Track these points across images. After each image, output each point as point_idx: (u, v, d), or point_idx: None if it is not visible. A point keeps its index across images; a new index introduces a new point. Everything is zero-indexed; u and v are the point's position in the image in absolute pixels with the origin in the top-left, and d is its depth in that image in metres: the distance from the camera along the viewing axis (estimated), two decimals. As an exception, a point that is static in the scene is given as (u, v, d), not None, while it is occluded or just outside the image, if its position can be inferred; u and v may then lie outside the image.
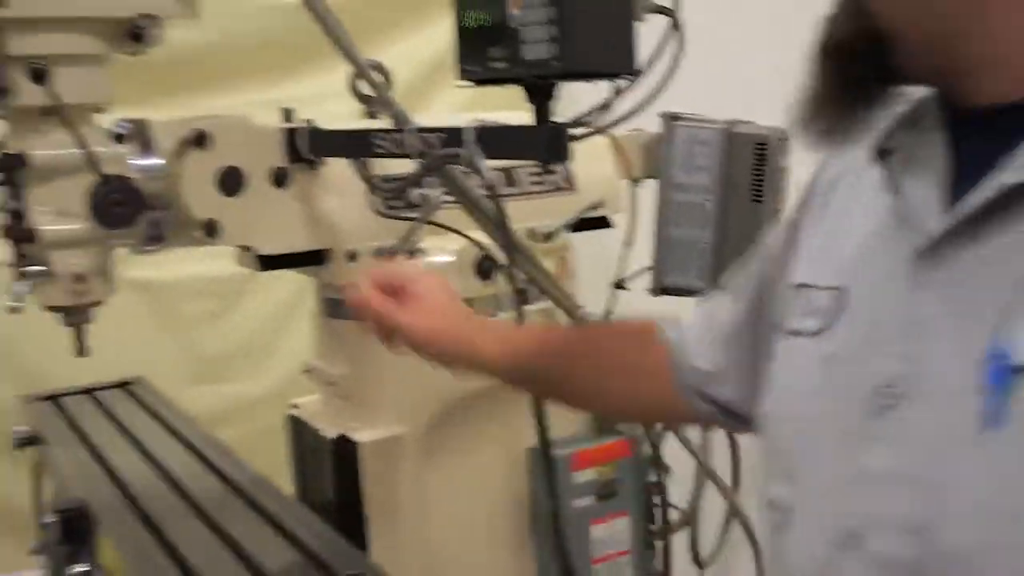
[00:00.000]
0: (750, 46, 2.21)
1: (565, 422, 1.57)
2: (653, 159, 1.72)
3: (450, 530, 1.58)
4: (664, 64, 1.28)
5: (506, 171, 1.64)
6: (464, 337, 1.21)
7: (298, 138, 1.49)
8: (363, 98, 1.60)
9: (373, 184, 1.50)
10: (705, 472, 1.78)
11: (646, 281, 1.69)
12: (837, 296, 0.84)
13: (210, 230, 1.46)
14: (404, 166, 1.43)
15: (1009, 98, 0.73)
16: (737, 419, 1.08)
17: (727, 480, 1.81)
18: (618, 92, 1.16)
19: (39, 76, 1.29)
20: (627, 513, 1.66)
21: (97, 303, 1.48)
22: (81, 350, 1.52)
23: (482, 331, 1.22)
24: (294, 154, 1.50)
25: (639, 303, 1.71)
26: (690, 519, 1.83)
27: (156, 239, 1.46)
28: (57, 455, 1.69)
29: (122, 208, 1.40)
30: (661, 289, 1.67)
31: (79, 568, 1.45)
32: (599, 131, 1.24)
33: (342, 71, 1.52)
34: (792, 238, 0.96)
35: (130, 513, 1.44)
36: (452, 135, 1.23)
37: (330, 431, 1.57)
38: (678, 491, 1.79)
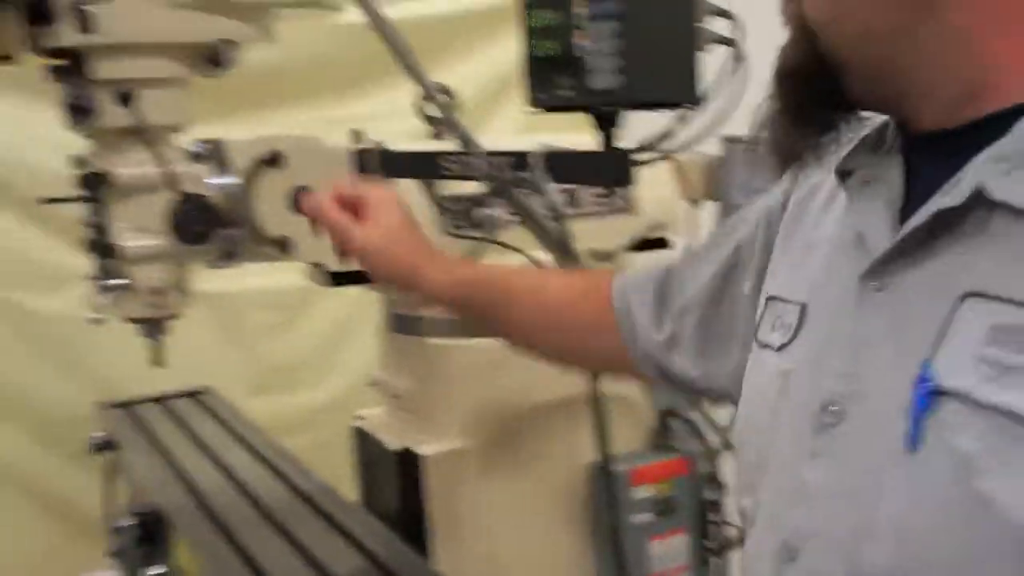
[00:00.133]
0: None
1: (624, 439, 1.60)
2: (713, 181, 1.75)
3: (510, 543, 1.61)
4: (727, 91, 1.31)
5: (569, 192, 1.68)
6: (412, 262, 1.24)
7: (368, 159, 1.53)
8: (430, 119, 1.64)
9: (440, 204, 1.54)
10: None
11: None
12: (800, 312, 0.86)
13: (282, 247, 1.51)
14: (470, 186, 1.48)
15: (948, 124, 0.74)
16: (682, 386, 1.13)
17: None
18: (681, 119, 1.19)
19: (125, 99, 1.34)
20: (684, 530, 1.69)
21: (173, 316, 1.54)
22: (158, 360, 1.57)
23: (430, 258, 1.25)
24: (364, 174, 1.55)
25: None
26: (745, 537, 1.85)
27: (230, 255, 1.52)
28: (132, 460, 1.75)
29: (199, 225, 1.45)
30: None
31: (154, 571, 1.51)
32: (663, 157, 1.27)
33: (404, 90, 1.56)
34: (767, 243, 0.98)
35: (204, 518, 1.49)
36: (519, 159, 1.27)
37: (394, 443, 1.62)
38: (734, 509, 1.81)
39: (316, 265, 1.60)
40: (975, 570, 0.66)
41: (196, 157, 1.50)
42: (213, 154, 1.50)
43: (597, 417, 1.51)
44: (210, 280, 2.42)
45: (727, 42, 1.27)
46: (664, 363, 1.12)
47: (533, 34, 1.17)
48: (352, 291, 2.01)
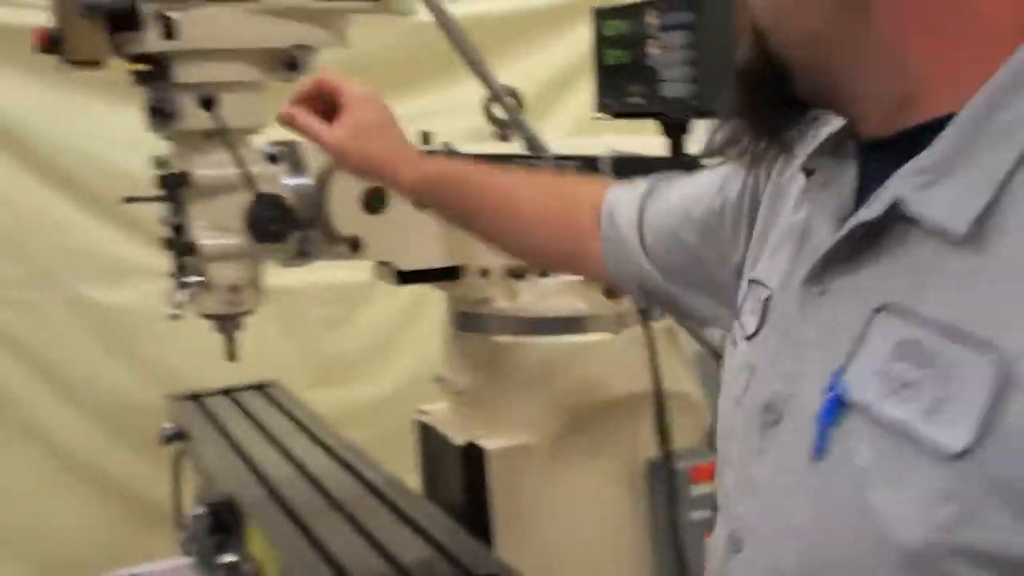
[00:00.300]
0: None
1: (683, 437, 1.63)
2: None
3: (571, 537, 1.65)
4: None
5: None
6: (381, 158, 1.29)
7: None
8: (496, 121, 1.68)
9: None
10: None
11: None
12: (765, 303, 0.86)
13: (354, 246, 1.56)
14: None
15: (886, 132, 0.73)
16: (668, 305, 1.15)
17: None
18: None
19: (207, 103, 1.39)
20: (741, 526, 1.71)
21: (248, 312, 1.59)
22: (231, 355, 1.63)
23: (400, 156, 1.30)
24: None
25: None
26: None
27: (304, 254, 1.57)
28: (204, 451, 1.80)
29: (275, 225, 1.50)
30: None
31: (227, 558, 1.56)
32: (730, 160, 1.30)
33: (461, 87, 1.60)
34: (749, 219, 0.98)
35: (277, 507, 1.54)
36: (587, 163, 1.31)
37: (459, 438, 1.66)
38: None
39: (384, 264, 1.65)
40: None
41: (272, 158, 1.56)
42: (288, 155, 1.55)
43: (658, 415, 1.55)
44: (270, 275, 2.50)
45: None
46: (649, 284, 1.14)
47: (604, 43, 1.20)
48: (409, 287, 2.06)
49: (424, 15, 1.59)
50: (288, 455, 1.77)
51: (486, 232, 1.31)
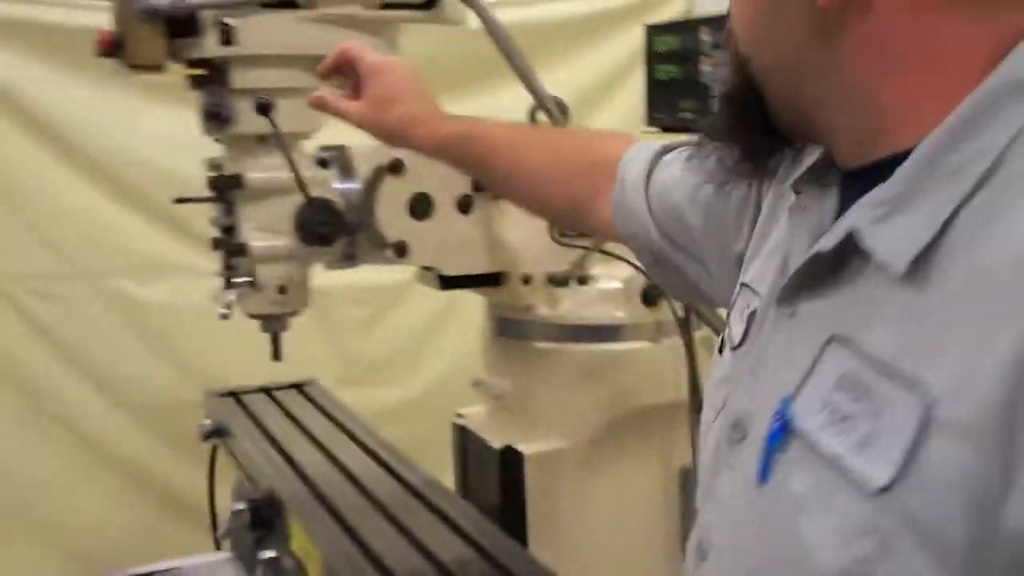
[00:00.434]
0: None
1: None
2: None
3: (604, 541, 1.67)
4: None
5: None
6: (401, 126, 1.32)
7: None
8: (540, 129, 1.71)
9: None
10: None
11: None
12: (750, 316, 0.85)
13: (400, 251, 1.59)
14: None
15: (856, 163, 0.74)
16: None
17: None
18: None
19: (264, 109, 1.42)
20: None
21: (294, 313, 1.63)
22: (276, 354, 1.66)
23: (418, 121, 1.32)
24: (479, 182, 1.62)
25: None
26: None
27: (351, 258, 1.60)
28: (244, 448, 1.83)
29: (325, 228, 1.53)
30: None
31: (268, 554, 1.59)
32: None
33: (505, 94, 1.62)
34: (754, 213, 0.97)
35: (317, 504, 1.57)
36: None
37: (496, 442, 1.69)
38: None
39: (427, 268, 1.68)
40: None
41: (322, 163, 1.59)
42: (338, 160, 1.59)
43: (693, 424, 1.58)
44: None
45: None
46: (659, 252, 1.14)
47: (656, 58, 1.23)
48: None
49: (472, 21, 1.62)
50: (328, 453, 1.79)
51: (499, 190, 1.36)
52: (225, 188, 1.53)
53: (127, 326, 2.72)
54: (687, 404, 1.60)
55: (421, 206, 1.59)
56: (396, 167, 1.57)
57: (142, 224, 2.71)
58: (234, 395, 2.12)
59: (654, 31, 1.22)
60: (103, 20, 2.43)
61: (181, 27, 1.44)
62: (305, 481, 1.67)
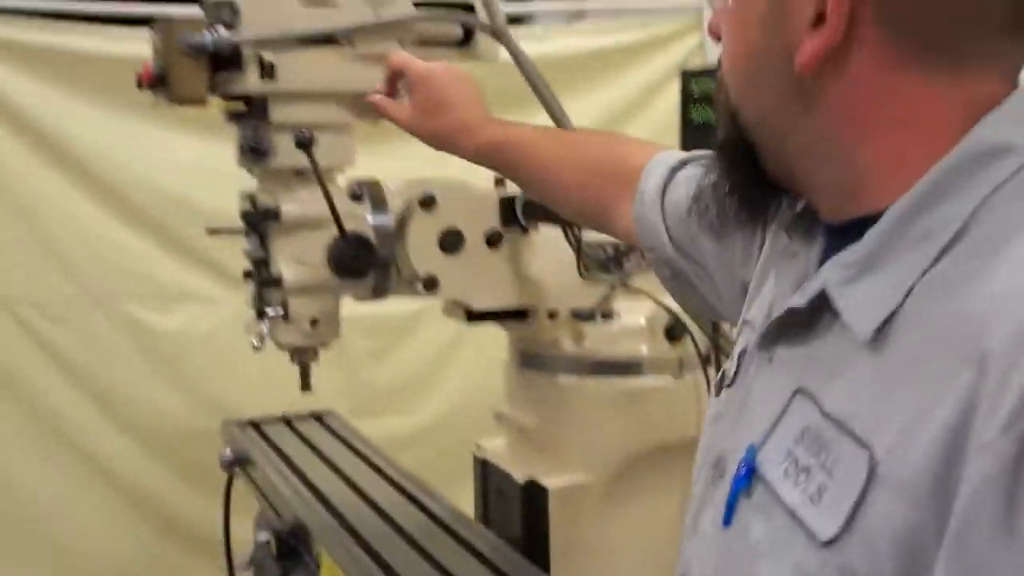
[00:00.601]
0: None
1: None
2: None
3: (628, 574, 1.69)
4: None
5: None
6: (447, 133, 1.36)
7: (516, 205, 1.63)
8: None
9: (582, 250, 1.63)
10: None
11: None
12: (740, 355, 0.87)
13: (429, 285, 1.61)
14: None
15: (836, 219, 0.76)
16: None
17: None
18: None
19: (304, 143, 1.45)
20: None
21: (324, 345, 1.65)
22: (305, 385, 1.68)
23: (461, 128, 1.36)
24: (507, 218, 1.65)
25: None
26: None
27: (381, 291, 1.63)
28: (266, 477, 1.84)
29: (359, 262, 1.56)
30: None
31: (292, 584, 1.60)
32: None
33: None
34: (758, 247, 0.98)
35: (346, 535, 1.59)
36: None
37: (519, 475, 1.70)
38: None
39: (455, 302, 1.70)
40: None
41: (355, 196, 1.61)
42: (371, 194, 1.61)
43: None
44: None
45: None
46: (677, 266, 1.14)
47: (691, 101, 1.26)
48: (450, 320, 2.09)
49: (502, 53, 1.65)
50: (351, 483, 1.81)
51: (534, 195, 1.38)
52: (260, 221, 1.56)
53: (139, 352, 2.74)
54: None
55: (451, 241, 1.61)
56: (427, 202, 1.60)
57: (157, 251, 2.74)
58: (253, 424, 2.13)
59: (690, 76, 1.25)
60: (123, 48, 2.47)
61: (224, 62, 1.47)
62: (331, 511, 1.69)
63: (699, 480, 0.87)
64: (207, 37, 1.45)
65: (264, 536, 1.71)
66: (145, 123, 2.56)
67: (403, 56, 1.42)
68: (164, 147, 2.65)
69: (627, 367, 1.69)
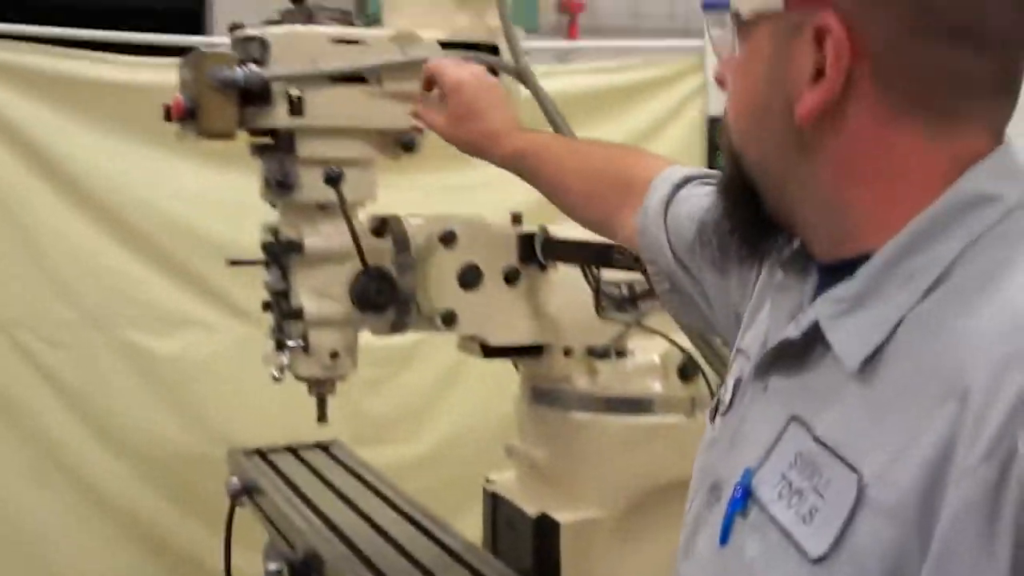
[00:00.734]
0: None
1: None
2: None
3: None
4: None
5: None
6: (476, 140, 1.41)
7: (535, 242, 1.65)
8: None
9: (600, 289, 1.65)
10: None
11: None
12: (735, 384, 0.90)
13: (448, 320, 1.63)
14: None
15: (828, 259, 0.80)
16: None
17: None
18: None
19: (333, 179, 1.47)
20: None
21: (343, 377, 1.66)
22: (322, 416, 1.69)
23: (489, 137, 1.40)
24: (526, 255, 1.67)
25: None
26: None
27: (400, 325, 1.64)
28: (276, 506, 1.85)
29: (380, 296, 1.58)
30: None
31: (304, 613, 1.61)
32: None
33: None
34: (755, 278, 1.01)
35: (359, 562, 1.60)
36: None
37: (531, 509, 1.72)
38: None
39: (471, 338, 1.72)
40: None
41: (376, 232, 1.63)
42: (392, 229, 1.63)
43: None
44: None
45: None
46: (680, 281, 1.16)
47: (718, 149, 1.28)
48: (450, 349, 2.09)
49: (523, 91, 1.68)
50: (360, 512, 1.82)
51: (551, 202, 1.40)
52: (283, 253, 1.57)
53: (136, 377, 2.74)
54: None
55: (470, 277, 1.63)
56: (448, 238, 1.62)
57: (156, 276, 2.74)
58: (260, 453, 2.13)
59: (716, 123, 1.27)
60: (123, 75, 2.46)
61: (253, 97, 1.49)
62: (344, 541, 1.70)
63: (694, 504, 0.90)
64: (239, 73, 1.47)
65: (274, 566, 1.72)
66: (150, 150, 2.57)
67: (438, 64, 1.46)
68: (167, 174, 2.65)
69: (640, 405, 1.72)
